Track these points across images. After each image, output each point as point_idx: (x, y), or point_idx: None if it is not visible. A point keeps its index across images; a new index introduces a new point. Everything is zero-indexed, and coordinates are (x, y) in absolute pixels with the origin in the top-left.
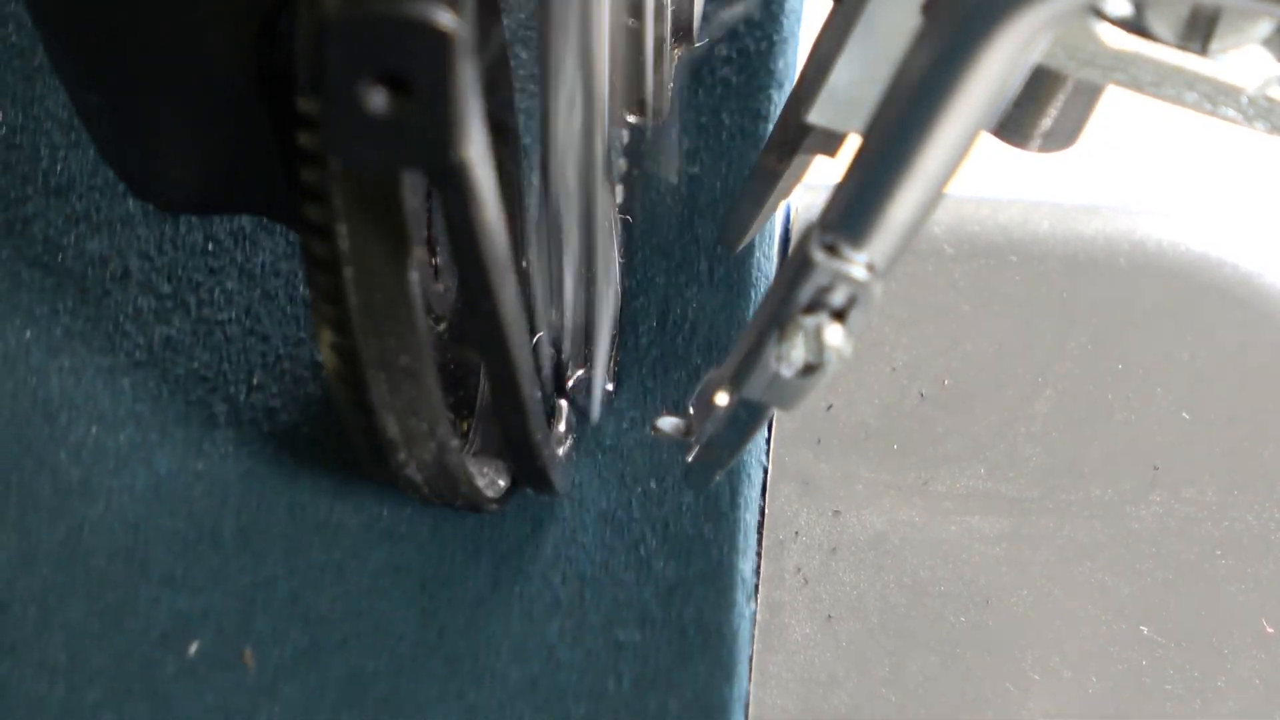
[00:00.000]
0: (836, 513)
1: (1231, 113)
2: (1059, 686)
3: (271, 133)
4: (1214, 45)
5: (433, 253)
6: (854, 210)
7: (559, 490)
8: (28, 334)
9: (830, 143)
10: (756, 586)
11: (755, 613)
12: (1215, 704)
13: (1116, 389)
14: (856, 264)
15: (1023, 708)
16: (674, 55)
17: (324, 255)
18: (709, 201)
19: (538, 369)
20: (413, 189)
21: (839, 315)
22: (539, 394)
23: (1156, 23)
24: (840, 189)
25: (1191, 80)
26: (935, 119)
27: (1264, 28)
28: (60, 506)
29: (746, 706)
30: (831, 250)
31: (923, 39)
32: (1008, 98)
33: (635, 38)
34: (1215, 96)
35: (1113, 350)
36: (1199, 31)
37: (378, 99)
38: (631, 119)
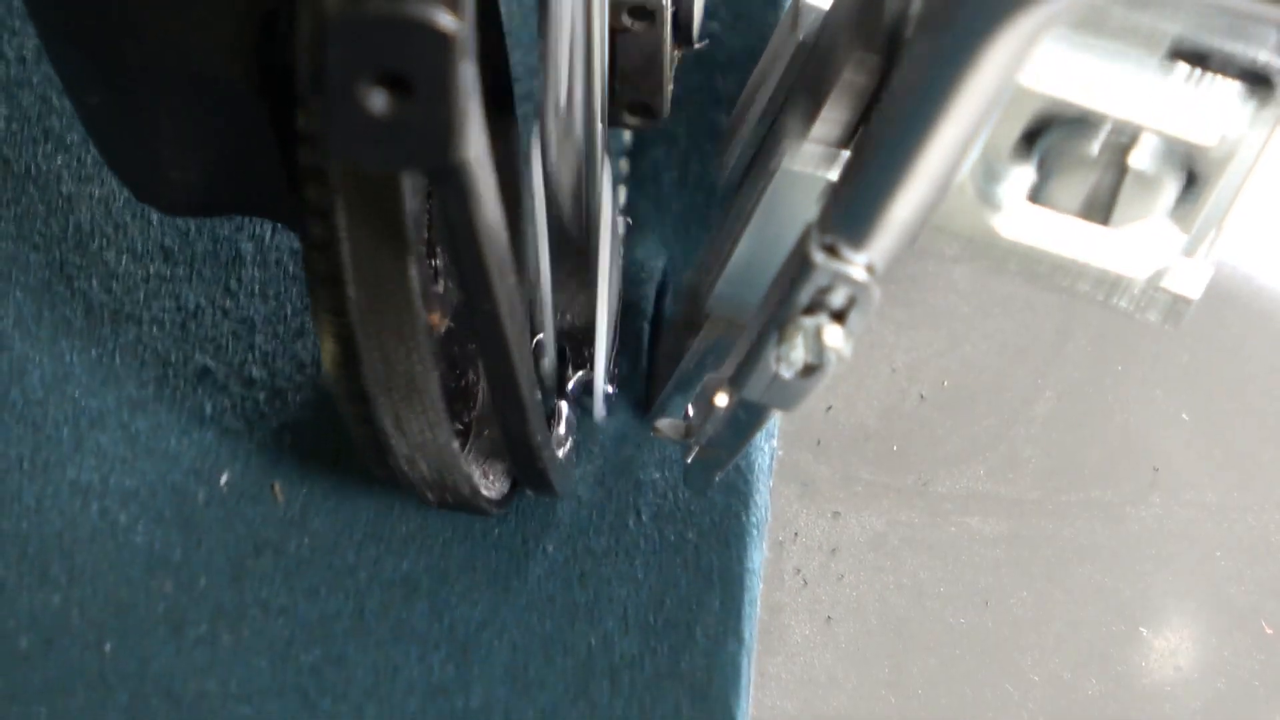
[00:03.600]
0: (836, 514)
1: (1124, 303)
2: (1059, 688)
3: (272, 134)
4: (1116, 217)
5: (432, 254)
6: (853, 211)
7: (559, 491)
8: (58, 159)
9: (731, 327)
10: (773, 431)
11: (776, 450)
12: (1215, 705)
13: (1116, 389)
14: (856, 265)
15: (1022, 709)
16: (674, 56)
17: (326, 270)
18: (726, 57)
19: (537, 370)
20: (412, 192)
21: (839, 316)
22: (539, 395)
23: (1060, 194)
24: (839, 189)
25: (1082, 271)
26: (935, 120)
27: (1166, 199)
28: (92, 333)
29: (762, 534)
30: (831, 251)
31: (922, 40)
32: (1006, 98)
33: (635, 39)
34: (1107, 286)
35: (1113, 350)
36: (1102, 203)
37: (378, 99)
38: (632, 120)
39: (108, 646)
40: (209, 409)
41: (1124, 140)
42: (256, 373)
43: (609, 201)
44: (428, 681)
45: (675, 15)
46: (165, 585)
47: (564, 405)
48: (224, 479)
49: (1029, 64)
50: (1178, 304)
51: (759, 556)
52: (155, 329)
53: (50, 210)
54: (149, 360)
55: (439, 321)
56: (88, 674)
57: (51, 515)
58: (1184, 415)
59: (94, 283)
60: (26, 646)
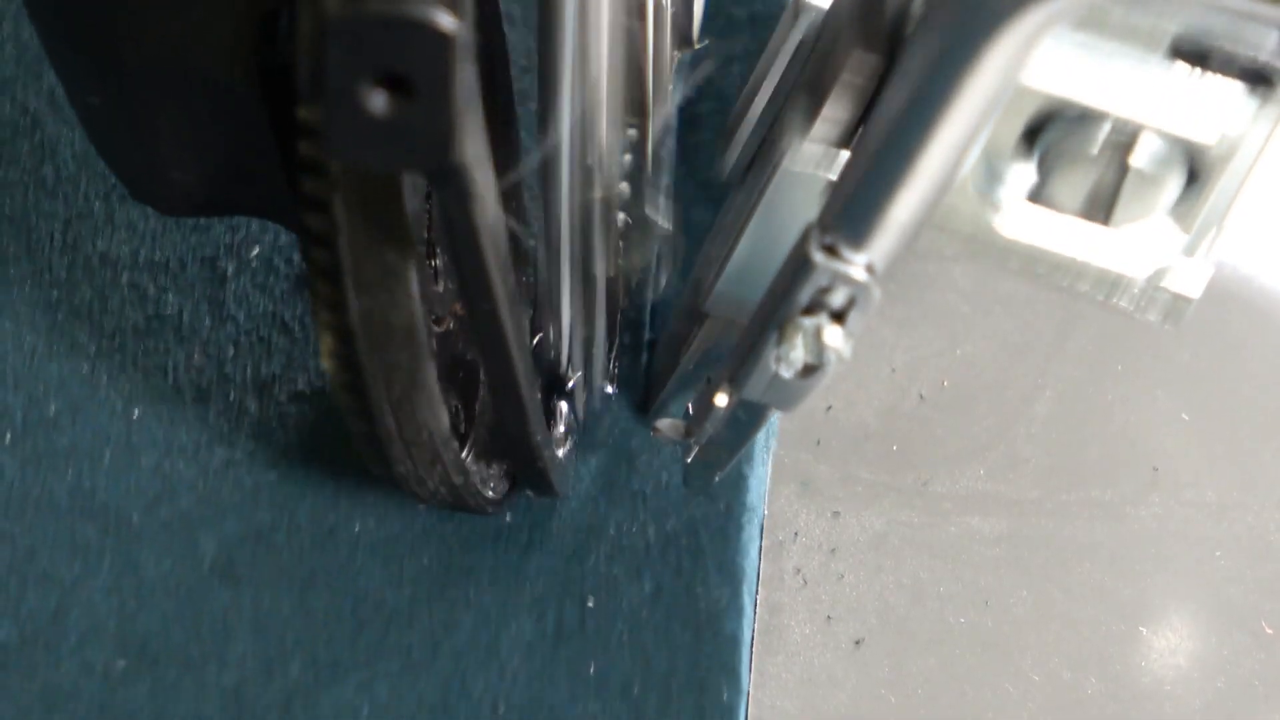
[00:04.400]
0: (836, 514)
1: (1124, 302)
2: (1058, 687)
3: (271, 134)
4: (1117, 216)
5: (432, 255)
6: (853, 211)
7: (559, 491)
8: None
9: (731, 327)
10: None
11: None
12: (1215, 704)
13: (1116, 389)
14: (856, 265)
15: (1022, 708)
16: (673, 58)
17: (325, 264)
18: None
19: (537, 371)
20: (412, 192)
21: (838, 316)
22: (538, 396)
23: (1061, 193)
24: (839, 189)
25: (1083, 270)
26: (935, 120)
27: (1167, 198)
28: None
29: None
30: (831, 251)
31: (922, 40)
32: (1006, 98)
33: (635, 40)
34: (1108, 286)
35: (1113, 350)
36: (1102, 203)
37: (378, 100)
38: (631, 121)
39: (136, 413)
40: None
41: (1124, 139)
42: None
43: (566, 206)
44: None
45: (674, 16)
46: (194, 355)
47: (564, 405)
48: (254, 252)
49: (1030, 63)
50: (1178, 303)
51: None
52: None
53: None
54: None
55: (439, 321)
56: (115, 439)
57: (82, 286)
58: (1184, 415)
59: None
60: (55, 412)
